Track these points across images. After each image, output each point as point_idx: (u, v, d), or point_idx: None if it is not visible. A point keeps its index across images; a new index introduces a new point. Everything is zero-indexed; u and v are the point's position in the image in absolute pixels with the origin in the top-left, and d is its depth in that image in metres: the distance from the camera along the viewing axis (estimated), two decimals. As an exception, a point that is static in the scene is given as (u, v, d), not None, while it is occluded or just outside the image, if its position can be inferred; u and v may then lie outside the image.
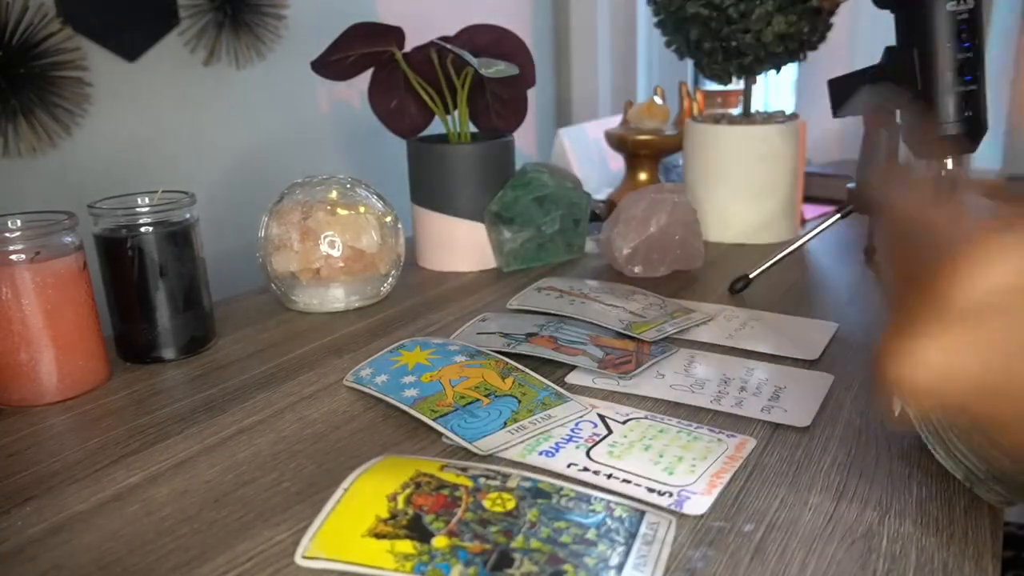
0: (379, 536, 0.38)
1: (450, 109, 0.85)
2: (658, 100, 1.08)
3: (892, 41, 0.68)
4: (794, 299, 0.74)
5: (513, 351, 0.60)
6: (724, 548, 0.39)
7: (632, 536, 0.38)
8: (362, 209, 0.73)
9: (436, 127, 0.88)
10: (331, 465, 0.47)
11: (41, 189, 0.84)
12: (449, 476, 0.42)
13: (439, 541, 0.37)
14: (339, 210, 0.72)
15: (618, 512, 0.40)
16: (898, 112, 0.70)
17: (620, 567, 0.36)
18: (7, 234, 0.54)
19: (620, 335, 0.64)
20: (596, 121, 1.33)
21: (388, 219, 0.75)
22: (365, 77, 0.85)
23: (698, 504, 0.42)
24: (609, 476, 0.44)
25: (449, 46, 0.77)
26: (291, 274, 0.72)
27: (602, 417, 0.51)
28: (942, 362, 0.31)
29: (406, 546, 0.37)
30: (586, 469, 0.45)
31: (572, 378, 0.58)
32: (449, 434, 0.49)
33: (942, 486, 0.43)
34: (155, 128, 0.94)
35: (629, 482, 0.44)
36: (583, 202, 0.87)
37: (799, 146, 0.90)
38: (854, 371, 0.58)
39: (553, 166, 0.91)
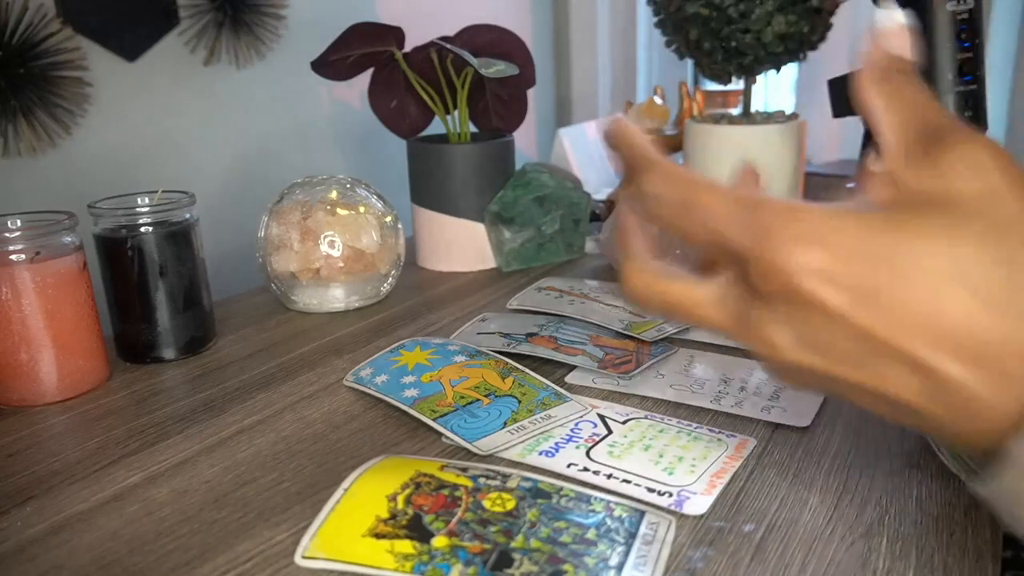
0: (379, 536, 0.38)
1: (450, 109, 0.85)
2: (658, 100, 1.08)
3: (892, 41, 0.68)
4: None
5: (513, 351, 0.60)
6: (724, 548, 0.39)
7: (632, 536, 0.38)
8: (362, 209, 0.73)
9: (436, 127, 0.88)
10: (331, 465, 0.47)
11: (41, 189, 0.84)
12: (449, 476, 0.42)
13: (439, 541, 0.37)
14: (339, 210, 0.72)
15: (618, 512, 0.40)
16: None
17: (620, 567, 0.36)
18: (7, 234, 0.54)
19: (620, 335, 0.64)
20: (596, 121, 1.33)
21: (388, 219, 0.75)
22: (365, 77, 0.85)
23: (698, 504, 0.42)
24: (609, 476, 0.44)
25: (449, 46, 0.77)
26: (291, 274, 0.72)
27: (602, 417, 0.51)
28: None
29: (406, 546, 0.37)
30: (586, 469, 0.45)
31: (572, 378, 0.58)
32: (449, 434, 0.49)
33: (942, 486, 0.43)
34: (155, 128, 0.94)
35: (629, 482, 0.44)
36: (583, 202, 0.87)
37: (799, 146, 0.90)
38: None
39: (553, 166, 0.91)
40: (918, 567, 0.37)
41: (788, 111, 0.93)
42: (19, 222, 0.56)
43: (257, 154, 1.06)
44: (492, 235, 0.84)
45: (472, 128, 0.88)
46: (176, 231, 0.62)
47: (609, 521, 0.39)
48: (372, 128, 0.92)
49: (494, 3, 1.41)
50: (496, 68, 0.76)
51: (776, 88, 1.53)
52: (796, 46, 0.84)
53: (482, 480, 0.42)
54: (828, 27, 0.86)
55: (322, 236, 0.71)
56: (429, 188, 0.84)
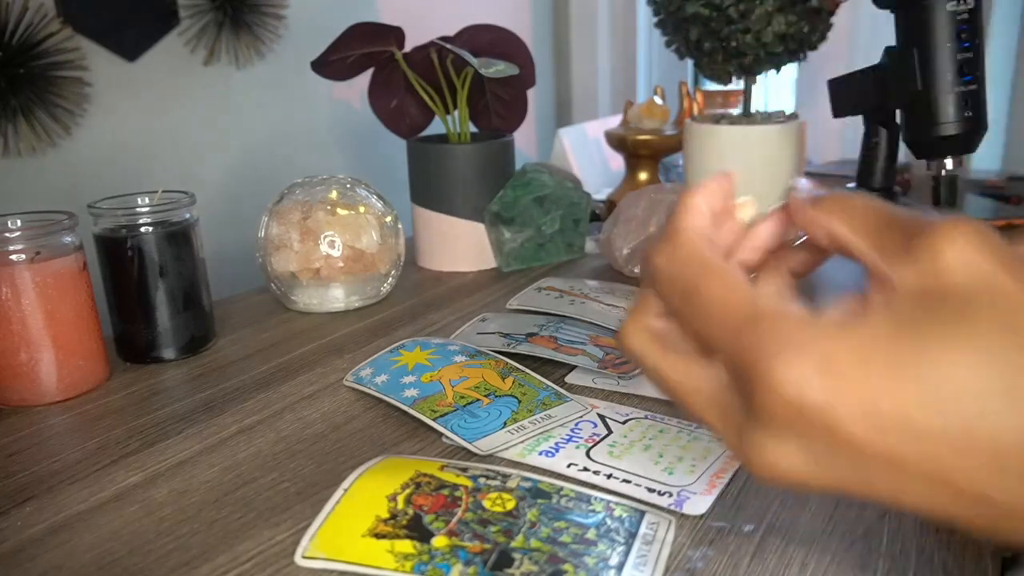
0: (379, 536, 0.38)
1: (450, 109, 0.85)
2: (658, 100, 1.08)
3: (892, 41, 0.68)
4: (794, 299, 0.74)
5: (513, 351, 0.60)
6: (724, 548, 0.39)
7: (632, 536, 0.38)
8: (362, 209, 0.73)
9: (436, 127, 0.88)
10: (331, 465, 0.47)
11: (41, 189, 0.84)
12: (449, 476, 0.42)
13: (439, 541, 0.37)
14: (339, 210, 0.72)
15: (618, 512, 0.40)
16: (898, 112, 0.71)
17: (620, 567, 0.36)
18: (7, 234, 0.54)
19: (620, 335, 0.63)
20: (596, 121, 1.33)
21: (388, 219, 0.75)
22: (365, 77, 0.85)
23: (698, 504, 0.42)
24: (609, 476, 0.44)
25: (449, 46, 0.77)
26: (291, 274, 0.72)
27: (602, 417, 0.51)
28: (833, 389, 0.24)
29: (406, 546, 0.37)
30: (586, 469, 0.45)
31: (572, 378, 0.58)
32: (449, 434, 0.49)
33: (942, 486, 0.43)
34: (155, 128, 0.94)
35: (629, 482, 0.44)
36: (583, 202, 0.87)
37: (799, 146, 0.90)
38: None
39: (553, 166, 0.91)
40: (918, 567, 0.37)
41: (788, 111, 0.93)
42: (19, 222, 0.56)
43: (257, 154, 1.06)
44: (492, 235, 0.84)
45: (472, 128, 0.88)
46: (176, 231, 0.62)
47: (609, 521, 0.39)
48: (372, 128, 0.92)
49: (494, 3, 1.42)
50: (496, 68, 0.76)
51: (776, 88, 1.53)
52: (796, 46, 0.84)
53: (482, 480, 0.42)
54: (828, 27, 0.86)
55: (322, 236, 0.71)
56: (429, 188, 0.84)
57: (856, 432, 0.24)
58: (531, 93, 0.87)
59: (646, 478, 0.44)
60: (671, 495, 0.42)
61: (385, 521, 0.39)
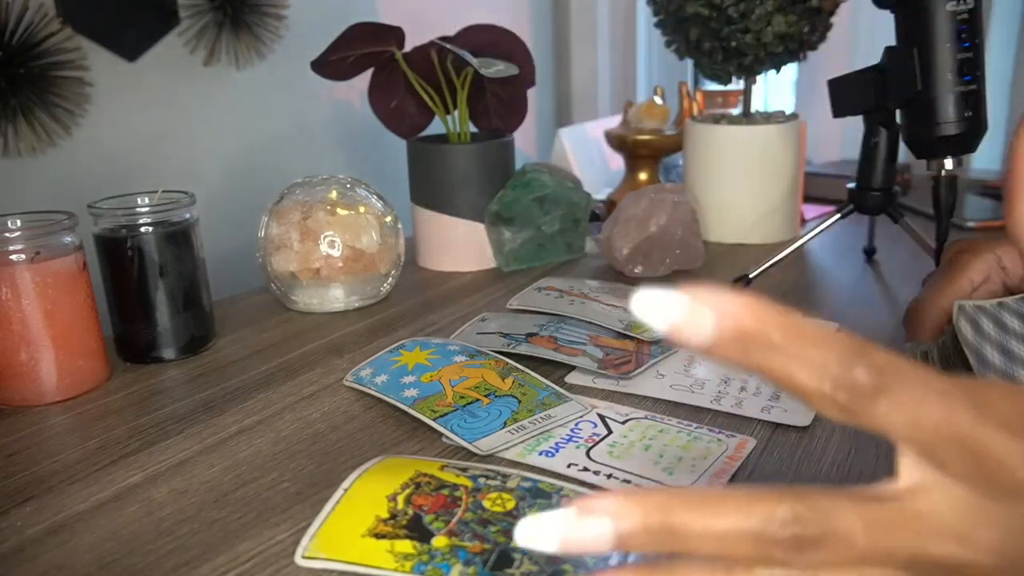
0: (379, 536, 0.38)
1: (450, 109, 0.85)
2: (658, 100, 1.08)
3: (892, 41, 0.68)
4: (794, 299, 0.74)
5: (513, 351, 0.60)
6: (724, 548, 0.38)
7: (632, 536, 0.38)
8: (362, 209, 0.73)
9: (436, 127, 0.88)
10: (331, 465, 0.47)
11: (41, 189, 0.84)
12: (449, 476, 0.42)
13: (439, 541, 0.37)
14: (339, 210, 0.72)
15: (618, 512, 0.40)
16: (898, 112, 0.70)
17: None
18: (7, 234, 0.54)
19: (620, 335, 0.64)
20: (596, 121, 1.33)
21: (388, 219, 0.75)
22: (365, 77, 0.85)
23: (698, 504, 0.41)
24: (609, 476, 0.44)
25: (449, 46, 0.77)
26: (291, 274, 0.72)
27: (602, 417, 0.51)
28: None
29: (406, 546, 0.37)
30: (586, 469, 0.45)
31: (572, 378, 0.58)
32: (449, 434, 0.49)
33: (942, 486, 0.43)
34: (155, 128, 0.94)
35: (629, 482, 0.44)
36: (583, 202, 0.87)
37: (799, 146, 0.90)
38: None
39: (553, 166, 0.91)
40: (918, 567, 0.37)
41: (788, 111, 0.93)
42: (19, 222, 0.56)
43: (257, 154, 1.06)
44: (492, 235, 0.84)
45: (472, 128, 0.88)
46: (176, 231, 0.62)
47: (609, 521, 0.39)
48: (372, 128, 0.92)
49: (494, 3, 1.42)
50: (496, 68, 0.76)
51: (776, 88, 1.53)
52: (796, 46, 0.84)
53: (482, 480, 0.42)
54: (828, 27, 0.86)
55: (322, 236, 0.71)
56: (429, 188, 0.84)
57: None
58: (531, 93, 0.87)
59: (646, 478, 0.44)
60: (671, 495, 0.42)
61: (385, 521, 0.39)
